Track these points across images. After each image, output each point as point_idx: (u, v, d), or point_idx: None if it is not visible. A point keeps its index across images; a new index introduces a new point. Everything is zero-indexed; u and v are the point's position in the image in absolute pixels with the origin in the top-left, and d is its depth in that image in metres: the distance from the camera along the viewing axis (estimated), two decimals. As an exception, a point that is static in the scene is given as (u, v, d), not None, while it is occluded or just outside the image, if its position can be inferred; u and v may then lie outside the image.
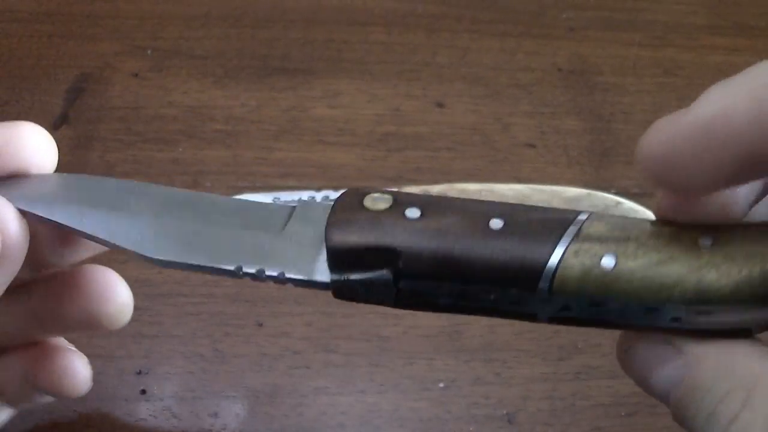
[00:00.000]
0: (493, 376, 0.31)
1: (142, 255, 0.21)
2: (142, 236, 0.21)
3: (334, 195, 0.34)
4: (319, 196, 0.34)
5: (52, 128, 0.39)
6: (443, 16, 0.46)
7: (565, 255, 0.17)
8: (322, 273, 0.20)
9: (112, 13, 0.45)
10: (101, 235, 0.21)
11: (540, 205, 0.32)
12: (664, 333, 0.18)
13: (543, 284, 0.17)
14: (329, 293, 0.21)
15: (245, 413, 0.29)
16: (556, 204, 0.33)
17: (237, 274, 0.20)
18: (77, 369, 0.24)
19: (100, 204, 0.22)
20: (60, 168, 0.38)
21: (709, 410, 0.17)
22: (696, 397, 0.18)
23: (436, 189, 0.33)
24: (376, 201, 0.19)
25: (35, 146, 0.22)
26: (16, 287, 0.22)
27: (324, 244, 0.19)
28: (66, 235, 0.23)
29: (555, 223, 0.18)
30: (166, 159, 0.37)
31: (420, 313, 0.32)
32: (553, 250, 0.17)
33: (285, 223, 0.20)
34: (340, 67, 0.42)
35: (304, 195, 0.34)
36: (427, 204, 0.18)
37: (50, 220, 0.21)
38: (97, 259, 0.33)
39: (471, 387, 0.30)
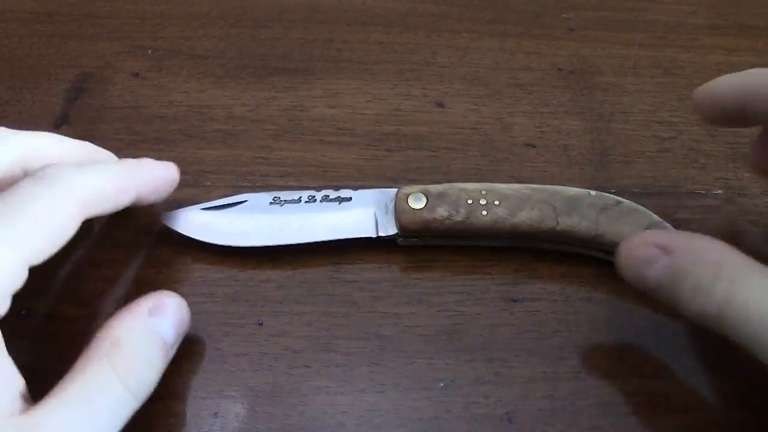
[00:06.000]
0: (493, 375, 0.31)
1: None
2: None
3: (334, 194, 0.34)
4: (319, 195, 0.34)
5: (53, 128, 0.39)
6: (443, 15, 0.46)
7: None
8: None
9: (112, 12, 0.45)
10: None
11: (538, 204, 0.32)
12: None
13: None
14: (329, 294, 0.32)
15: (245, 412, 0.29)
16: (556, 203, 0.33)
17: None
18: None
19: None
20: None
21: (693, 285, 0.27)
22: (683, 278, 0.27)
23: (436, 188, 0.33)
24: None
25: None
26: None
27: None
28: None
29: None
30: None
31: (420, 313, 0.32)
32: None
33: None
34: (339, 66, 0.42)
35: (305, 194, 0.34)
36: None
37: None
38: (93, 263, 0.33)
39: (471, 386, 0.30)
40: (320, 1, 0.46)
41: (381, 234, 0.33)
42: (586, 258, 0.34)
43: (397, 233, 0.33)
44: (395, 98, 0.41)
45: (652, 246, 0.28)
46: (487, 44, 0.44)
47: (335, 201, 0.34)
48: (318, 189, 0.34)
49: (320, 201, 0.34)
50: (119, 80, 0.41)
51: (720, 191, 0.37)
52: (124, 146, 0.38)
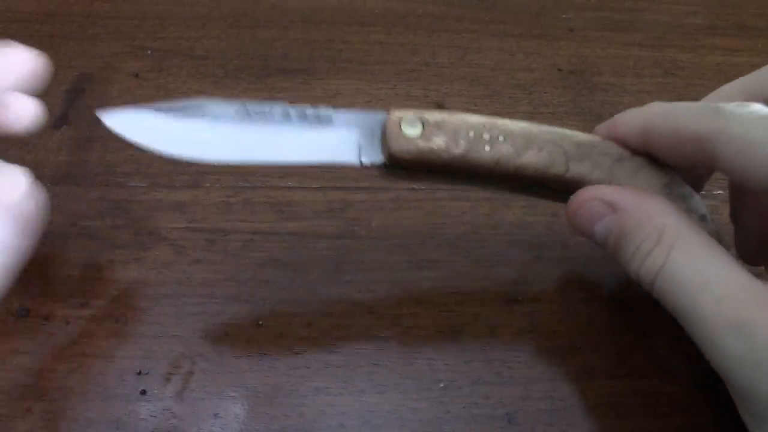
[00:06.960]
0: (493, 376, 0.31)
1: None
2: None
3: (312, 112, 0.29)
4: (294, 111, 0.29)
5: (52, 128, 0.39)
6: (443, 16, 0.46)
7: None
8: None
9: (112, 13, 0.45)
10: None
11: (548, 145, 0.29)
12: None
13: None
14: (329, 294, 0.30)
15: (245, 413, 0.29)
16: (567, 147, 0.29)
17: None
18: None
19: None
20: (60, 168, 0.38)
21: (633, 248, 0.26)
22: (625, 239, 0.26)
23: (434, 115, 0.29)
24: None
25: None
26: None
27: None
28: None
29: None
30: (166, 159, 0.37)
31: (420, 314, 0.32)
32: None
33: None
34: (339, 67, 0.42)
35: (277, 108, 0.29)
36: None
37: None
38: (93, 264, 0.34)
39: (471, 387, 0.30)
40: (320, 1, 0.46)
41: (364, 161, 0.29)
42: (587, 257, 0.34)
43: (384, 162, 0.29)
44: (395, 98, 0.41)
45: (600, 201, 0.27)
46: (487, 44, 0.44)
47: (313, 120, 0.29)
48: (292, 105, 0.30)
49: (295, 118, 0.29)
50: (119, 80, 0.41)
51: (720, 191, 0.37)
52: (124, 147, 0.37)
